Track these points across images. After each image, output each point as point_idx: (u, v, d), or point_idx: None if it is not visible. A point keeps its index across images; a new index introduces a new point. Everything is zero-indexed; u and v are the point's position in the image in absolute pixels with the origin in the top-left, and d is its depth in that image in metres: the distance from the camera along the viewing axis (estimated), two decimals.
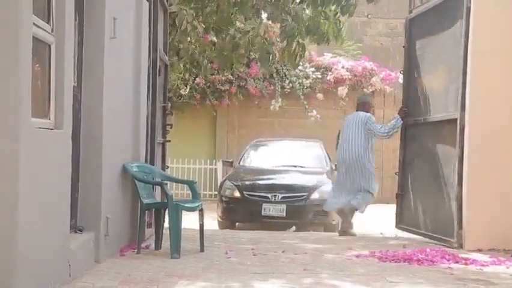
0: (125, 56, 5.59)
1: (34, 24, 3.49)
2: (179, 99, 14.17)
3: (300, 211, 8.66)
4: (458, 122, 6.05)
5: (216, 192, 11.31)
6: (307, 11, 8.38)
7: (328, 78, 14.94)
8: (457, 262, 5.15)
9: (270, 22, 8.95)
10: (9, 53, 3.20)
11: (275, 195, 8.65)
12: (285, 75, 14.71)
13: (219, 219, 9.09)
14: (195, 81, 13.96)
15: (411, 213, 7.19)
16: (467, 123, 5.95)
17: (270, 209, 8.58)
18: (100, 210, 4.78)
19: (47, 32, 3.79)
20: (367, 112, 7.61)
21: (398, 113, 7.49)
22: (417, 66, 7.32)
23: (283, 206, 8.58)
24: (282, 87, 14.63)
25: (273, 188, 8.81)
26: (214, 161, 14.82)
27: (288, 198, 8.66)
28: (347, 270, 4.78)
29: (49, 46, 3.86)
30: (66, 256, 4.01)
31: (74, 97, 4.60)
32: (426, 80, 7.11)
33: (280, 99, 14.51)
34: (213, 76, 13.93)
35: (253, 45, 8.52)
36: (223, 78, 14.34)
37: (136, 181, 5.43)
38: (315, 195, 8.83)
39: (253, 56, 10.39)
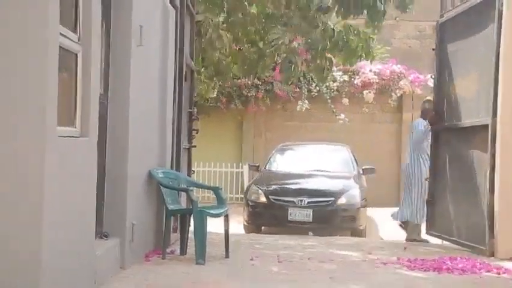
0: (152, 62, 5.61)
1: (61, 34, 3.51)
2: (206, 102, 14.19)
3: (327, 216, 8.59)
4: (489, 128, 5.92)
5: (242, 196, 11.29)
6: (336, 25, 8.20)
7: (355, 82, 14.80)
8: (488, 271, 5.03)
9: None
10: (37, 63, 3.23)
11: (301, 200, 8.60)
12: (312, 79, 14.61)
13: (245, 223, 9.07)
14: (221, 85, 13.95)
15: (442, 220, 7.08)
16: (499, 129, 5.82)
17: (296, 214, 8.52)
18: (125, 216, 4.79)
19: (74, 41, 3.82)
20: (424, 119, 7.47)
21: (429, 120, 7.38)
22: (448, 71, 7.20)
23: (310, 211, 8.52)
24: (309, 91, 14.55)
25: (299, 192, 8.75)
26: (240, 164, 14.81)
27: (314, 203, 8.60)
28: (377, 280, 4.69)
29: (76, 55, 3.88)
30: (91, 263, 4.03)
31: (101, 104, 4.63)
32: (457, 85, 6.98)
33: (306, 101, 14.44)
34: (239, 80, 13.92)
35: (279, 54, 8.48)
36: (249, 82, 14.32)
37: (161, 187, 5.43)
38: (342, 200, 8.75)
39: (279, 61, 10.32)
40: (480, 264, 5.26)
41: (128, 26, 4.84)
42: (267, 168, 10.07)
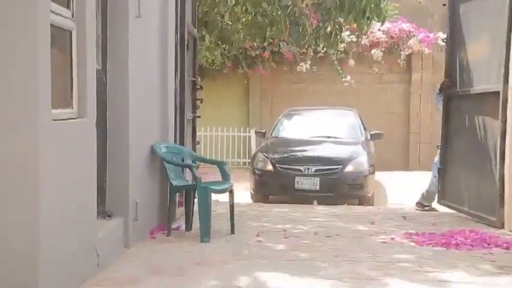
0: (151, 33, 5.42)
1: (52, 11, 3.35)
2: (211, 66, 13.96)
3: (334, 184, 8.46)
4: (500, 95, 5.73)
5: (249, 160, 11.17)
6: None
7: (363, 42, 14.48)
8: (498, 246, 4.94)
9: None
10: (27, 43, 3.09)
11: (308, 168, 8.47)
12: (319, 39, 14.28)
13: (252, 192, 8.99)
14: (226, 49, 13.68)
15: (453, 189, 6.92)
16: (510, 96, 5.62)
17: (303, 182, 8.41)
18: (128, 195, 4.71)
19: (67, 18, 3.65)
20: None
21: (440, 85, 7.17)
22: (460, 34, 6.93)
23: (317, 179, 8.40)
24: (315, 52, 14.26)
25: (306, 160, 8.63)
26: (247, 128, 14.69)
27: (321, 171, 8.47)
28: (384, 257, 4.59)
29: (70, 32, 3.72)
30: (93, 245, 3.96)
31: (99, 80, 4.48)
32: (469, 49, 6.73)
33: (309, 62, 14.17)
34: (245, 42, 13.62)
35: (290, 17, 8.18)
36: (255, 44, 14.02)
37: (164, 162, 5.33)
38: (349, 168, 8.62)
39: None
40: (489, 238, 5.16)
41: None
42: (273, 134, 9.93)
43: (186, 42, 6.48)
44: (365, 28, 11.66)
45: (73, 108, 3.76)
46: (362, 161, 8.83)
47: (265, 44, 13.90)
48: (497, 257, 4.62)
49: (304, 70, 14.22)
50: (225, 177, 5.57)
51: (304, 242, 5.16)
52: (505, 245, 4.94)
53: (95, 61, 4.06)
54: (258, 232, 5.54)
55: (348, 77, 14.16)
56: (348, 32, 14.45)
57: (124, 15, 4.65)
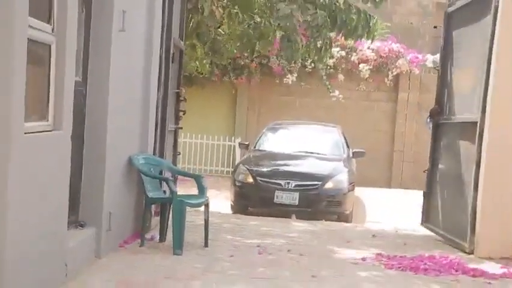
0: (136, 47, 5.48)
1: (30, 26, 3.39)
2: (200, 74, 14.02)
3: (313, 200, 8.55)
4: (478, 125, 5.84)
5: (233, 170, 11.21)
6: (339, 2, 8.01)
7: (352, 58, 14.62)
8: (465, 273, 5.02)
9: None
10: (2, 58, 3.12)
11: (288, 183, 8.55)
12: (308, 55, 14.40)
13: (232, 203, 9.04)
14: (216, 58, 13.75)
15: (435, 213, 7.06)
16: (487, 127, 5.73)
17: (282, 197, 8.49)
18: (102, 205, 4.74)
19: (47, 32, 3.70)
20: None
21: (430, 111, 7.28)
22: (451, 62, 7.07)
23: (296, 194, 8.48)
24: (304, 66, 14.38)
25: (287, 175, 8.71)
26: (233, 138, 14.75)
27: (301, 186, 8.56)
28: (352, 279, 4.67)
29: (49, 46, 3.77)
30: (63, 255, 3.99)
31: (79, 92, 4.54)
32: (457, 77, 6.87)
33: (296, 74, 14.29)
34: (235, 53, 13.72)
35: (286, 31, 8.27)
36: (245, 54, 14.12)
37: (141, 174, 5.37)
38: (329, 185, 8.72)
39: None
40: (457, 264, 5.24)
41: (109, 11, 4.71)
42: (256, 147, 10.00)
43: (172, 55, 6.54)
44: (352, 42, 11.70)
45: (48, 120, 3.80)
46: (342, 178, 8.92)
47: (255, 55, 14.11)
48: (462, 284, 4.71)
49: (290, 82, 14.34)
50: (201, 191, 5.63)
51: (277, 259, 5.22)
52: (471, 272, 5.02)
53: (73, 75, 4.11)
54: (231, 246, 5.59)
55: (337, 92, 14.28)
56: (338, 48, 14.64)
57: (108, 29, 4.70)
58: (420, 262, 5.26)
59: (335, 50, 14.56)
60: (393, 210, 10.33)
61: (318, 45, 8.47)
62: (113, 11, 4.70)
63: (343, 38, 8.59)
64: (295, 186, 8.54)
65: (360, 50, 14.76)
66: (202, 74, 13.82)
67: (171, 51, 6.48)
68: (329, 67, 14.45)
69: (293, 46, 8.33)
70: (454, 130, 6.78)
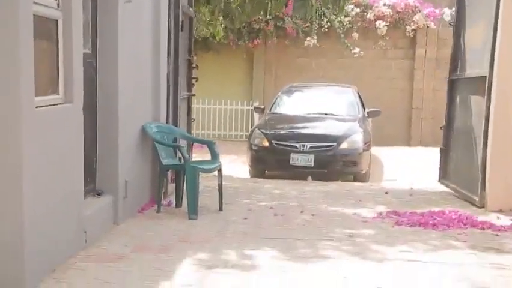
0: (143, 17, 5.56)
1: (35, 2, 3.50)
2: (215, 39, 14.03)
3: (328, 161, 8.60)
4: (486, 79, 5.84)
5: None
6: None
7: (368, 16, 14.46)
8: (473, 226, 5.12)
9: None
10: (8, 35, 3.23)
11: (304, 145, 8.61)
12: (324, 14, 14.29)
13: (249, 167, 9.19)
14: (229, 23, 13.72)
15: (451, 169, 7.13)
16: (495, 81, 5.73)
17: (298, 159, 8.56)
18: (117, 174, 4.92)
19: (53, 7, 3.80)
20: None
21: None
22: (464, 18, 7.01)
23: (312, 156, 8.54)
24: (320, 26, 14.28)
25: (302, 137, 8.77)
26: (250, 102, 14.82)
27: (316, 148, 8.61)
28: (360, 236, 4.81)
29: (56, 21, 3.88)
30: (81, 223, 4.19)
31: (89, 64, 4.67)
32: (470, 34, 6.83)
33: (315, 37, 14.22)
34: (248, 17, 13.65)
35: None
36: (259, 17, 14.05)
37: (155, 142, 5.53)
38: (344, 145, 8.76)
39: None
40: (467, 218, 5.33)
41: None
42: (271, 111, 10.07)
43: (181, 23, 6.61)
44: None
45: (59, 94, 3.94)
46: (357, 138, 8.96)
47: (269, 17, 14.04)
48: (470, 237, 4.80)
49: (311, 45, 14.26)
50: (214, 156, 5.76)
51: (289, 219, 5.37)
52: (480, 225, 5.12)
53: (81, 48, 4.22)
54: (246, 209, 5.75)
55: (357, 49, 14.17)
56: (352, 6, 14.47)
57: (114, 1, 4.79)
58: (429, 217, 5.36)
59: (350, 7, 14.45)
60: (412, 168, 10.35)
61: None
62: None
63: None
64: (311, 148, 8.60)
65: (376, 7, 14.58)
66: (217, 39, 13.88)
67: (180, 19, 6.55)
68: (344, 25, 14.34)
69: (307, 4, 8.34)
70: (466, 85, 6.78)
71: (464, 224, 5.15)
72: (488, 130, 5.81)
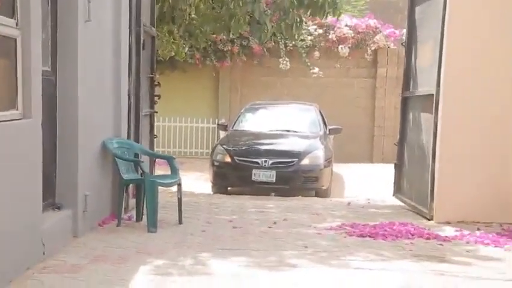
0: (104, 36, 5.72)
1: None
2: (182, 58, 14.22)
3: (290, 177, 8.79)
4: (434, 97, 6.15)
5: None
6: None
7: (330, 36, 14.86)
8: (420, 237, 5.36)
9: None
10: None
11: (265, 161, 8.80)
12: (281, 33, 14.61)
13: (211, 183, 9.33)
14: (194, 43, 13.94)
15: (404, 184, 7.42)
16: (441, 99, 6.04)
17: (260, 175, 8.73)
18: (77, 188, 5.03)
19: (11, 26, 3.94)
20: None
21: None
22: (415, 38, 7.37)
23: (273, 172, 8.73)
24: (285, 45, 14.62)
25: (264, 153, 8.96)
26: (217, 119, 15.00)
27: (278, 164, 8.81)
28: (313, 246, 5.01)
29: (15, 40, 4.02)
30: (39, 235, 4.29)
31: (49, 81, 4.80)
32: (420, 53, 7.17)
33: (287, 58, 14.55)
34: (214, 35, 13.91)
35: (250, 14, 8.55)
36: (224, 37, 14.32)
37: (115, 157, 5.65)
38: (305, 161, 8.97)
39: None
40: (414, 229, 5.59)
41: (74, 2, 4.94)
42: (234, 127, 10.26)
43: (142, 42, 6.77)
44: (329, 20, 11.84)
45: (18, 109, 4.06)
46: (318, 154, 9.20)
47: (235, 37, 14.32)
48: (416, 246, 5.05)
49: (288, 67, 14.52)
50: (174, 171, 5.92)
51: (246, 232, 5.54)
52: (426, 236, 5.37)
53: (40, 66, 4.36)
54: (204, 223, 5.90)
55: (316, 69, 14.54)
56: (315, 26, 14.87)
57: (74, 20, 4.95)
58: (380, 229, 5.60)
59: (313, 28, 14.85)
60: (372, 184, 10.64)
61: (289, 23, 8.76)
62: (78, 2, 4.94)
63: (310, 16, 8.89)
64: (272, 164, 8.78)
65: (338, 28, 14.99)
66: (182, 58, 14.06)
67: (142, 38, 6.72)
68: (306, 46, 14.71)
69: (262, 29, 8.63)
70: (417, 103, 7.10)
71: (412, 235, 5.40)
72: (436, 146, 6.10)
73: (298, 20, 8.79)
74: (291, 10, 8.42)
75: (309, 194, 8.97)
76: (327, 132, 10.30)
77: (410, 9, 7.49)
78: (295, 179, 8.87)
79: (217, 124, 11.72)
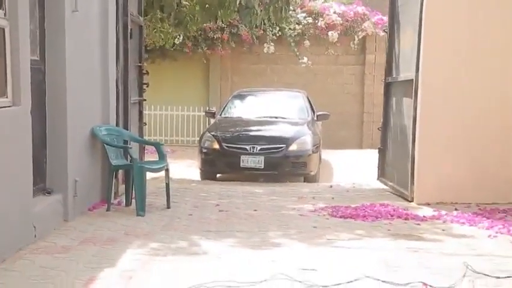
0: (91, 25, 5.86)
1: None
2: (172, 47, 14.35)
3: (278, 163, 8.85)
4: (413, 82, 6.33)
5: None
6: None
7: (319, 24, 15.00)
8: (399, 217, 5.57)
9: None
10: None
11: (253, 147, 8.85)
12: (273, 23, 14.78)
13: (200, 170, 9.38)
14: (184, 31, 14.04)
15: (387, 167, 7.62)
16: (420, 84, 6.22)
17: (248, 161, 8.76)
18: (67, 173, 5.20)
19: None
20: None
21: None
22: (397, 25, 7.54)
23: (261, 158, 8.77)
24: (273, 34, 14.75)
25: (252, 139, 9.04)
26: (207, 107, 15.13)
27: (266, 150, 8.87)
28: (295, 227, 5.20)
29: (3, 30, 4.16)
30: (30, 219, 4.46)
31: (38, 70, 4.95)
32: (401, 40, 7.33)
33: (272, 44, 14.68)
34: (204, 24, 14.01)
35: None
36: (214, 26, 14.44)
37: (104, 144, 5.82)
38: (293, 147, 8.99)
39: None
40: (394, 210, 5.79)
41: None
42: (222, 115, 10.35)
43: (130, 31, 6.91)
44: (317, 7, 12.07)
45: (7, 97, 4.22)
46: (306, 140, 9.25)
47: (224, 25, 14.46)
48: (394, 226, 5.25)
49: (271, 52, 14.67)
50: (161, 157, 6.09)
51: (232, 215, 5.73)
52: (405, 216, 5.58)
53: (29, 55, 4.50)
54: (191, 207, 6.09)
55: (305, 59, 14.70)
56: (304, 14, 15.01)
57: (61, 10, 5.09)
58: (361, 210, 5.79)
59: (302, 16, 14.99)
60: (360, 169, 10.83)
61: (277, 6, 8.94)
62: None
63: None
64: (260, 150, 8.83)
65: (327, 15, 15.13)
66: (173, 46, 14.19)
67: (129, 27, 6.85)
68: (296, 34, 14.85)
69: (251, 12, 8.78)
70: (399, 88, 7.28)
71: (391, 216, 5.61)
72: (416, 130, 6.29)
73: (285, 2, 8.95)
74: None
75: (296, 180, 9.13)
76: (315, 118, 10.43)
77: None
78: (283, 165, 8.91)
79: (205, 112, 11.63)
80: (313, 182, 9.15)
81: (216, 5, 9.05)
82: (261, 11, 8.97)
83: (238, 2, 9.10)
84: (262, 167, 8.72)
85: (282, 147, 8.91)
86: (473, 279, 3.72)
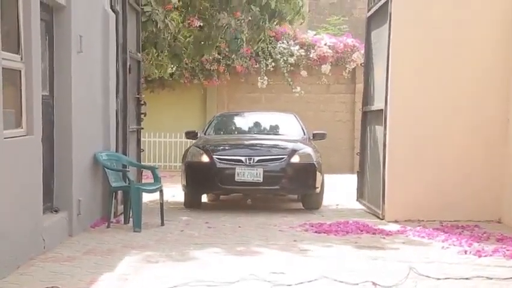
0: (93, 63, 6.62)
1: (4, 58, 4.53)
2: (170, 77, 15.17)
3: (279, 176, 7.62)
4: (383, 112, 7.07)
5: None
6: None
7: (311, 55, 15.83)
8: (368, 232, 6.24)
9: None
10: None
11: (250, 158, 7.63)
12: (270, 54, 15.66)
13: (183, 190, 8.03)
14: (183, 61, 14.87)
15: (364, 189, 8.32)
16: (388, 114, 6.95)
17: (244, 174, 7.54)
18: (72, 194, 5.90)
19: (16, 61, 4.84)
20: None
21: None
22: (371, 59, 8.32)
23: (260, 170, 7.55)
24: (267, 65, 15.59)
25: (248, 150, 7.83)
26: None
27: (264, 161, 7.64)
28: (274, 240, 5.88)
29: (20, 71, 4.91)
30: (40, 232, 5.15)
31: (47, 104, 5.69)
32: (375, 73, 8.10)
33: (266, 77, 15.50)
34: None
35: (225, 37, 9.62)
36: (210, 58, 15.28)
37: (105, 168, 6.53)
38: (295, 158, 7.80)
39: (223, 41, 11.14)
40: (364, 226, 6.47)
41: (68, 37, 5.85)
42: (207, 134, 8.95)
43: (128, 66, 7.68)
44: (310, 40, 13.30)
45: (22, 128, 4.95)
46: (309, 152, 8.04)
47: (220, 57, 15.30)
48: (362, 240, 5.92)
49: (265, 86, 15.48)
50: (156, 179, 6.80)
51: (219, 230, 6.42)
52: (373, 231, 6.25)
53: (40, 91, 5.24)
54: (183, 224, 6.77)
55: (298, 88, 15.52)
56: (297, 47, 15.87)
57: (67, 52, 5.85)
58: (334, 227, 6.47)
59: (295, 48, 15.84)
60: (348, 192, 11.43)
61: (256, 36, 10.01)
62: (71, 37, 5.84)
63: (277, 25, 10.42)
64: (258, 161, 7.61)
65: (318, 47, 15.98)
66: (171, 76, 14.99)
67: (128, 63, 7.62)
68: (289, 65, 15.70)
69: (236, 42, 9.76)
70: (373, 117, 8.02)
71: (361, 231, 6.28)
72: (386, 154, 7.00)
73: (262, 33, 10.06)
74: (263, 24, 9.62)
75: (300, 196, 8.19)
76: (311, 137, 8.95)
77: (366, 33, 8.45)
78: (285, 179, 7.67)
79: (185, 132, 9.43)
80: (317, 202, 8.02)
81: (203, 40, 9.97)
82: (245, 39, 9.98)
83: (222, 38, 10.08)
84: (261, 181, 7.56)
85: (283, 157, 7.74)
86: (417, 280, 4.37)
